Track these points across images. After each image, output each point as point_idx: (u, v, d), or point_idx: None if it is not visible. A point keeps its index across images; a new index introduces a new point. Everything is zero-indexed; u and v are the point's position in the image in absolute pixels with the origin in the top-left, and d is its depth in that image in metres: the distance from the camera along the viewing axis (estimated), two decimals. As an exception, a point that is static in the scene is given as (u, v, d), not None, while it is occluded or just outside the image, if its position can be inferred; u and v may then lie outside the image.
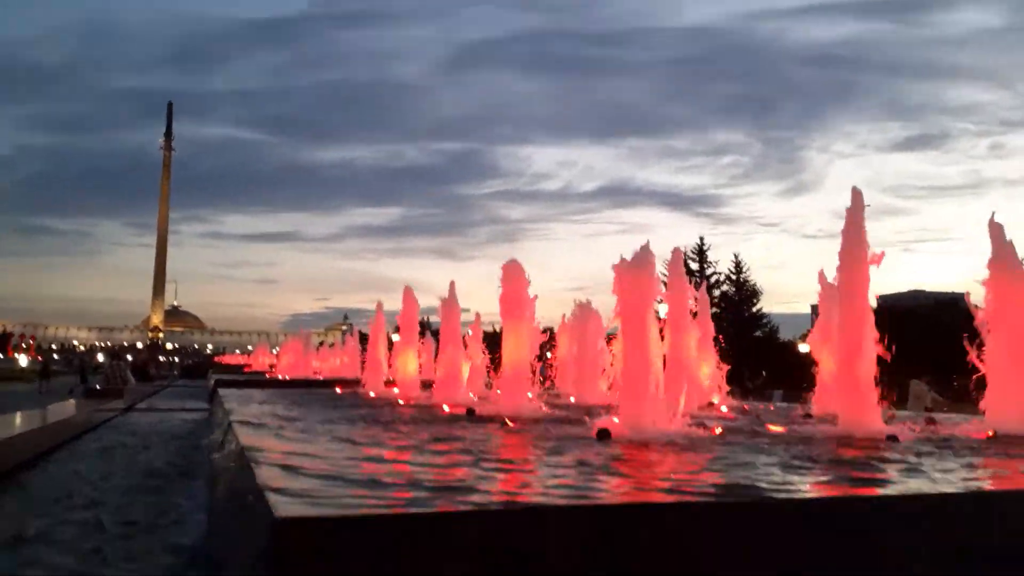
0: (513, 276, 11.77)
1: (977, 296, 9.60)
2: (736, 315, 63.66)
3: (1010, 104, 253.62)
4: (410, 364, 17.76)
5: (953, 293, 72.63)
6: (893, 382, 9.64)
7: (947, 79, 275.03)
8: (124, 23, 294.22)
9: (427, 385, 16.34)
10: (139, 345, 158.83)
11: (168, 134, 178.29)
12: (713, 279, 65.36)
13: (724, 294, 66.44)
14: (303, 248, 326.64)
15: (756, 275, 69.14)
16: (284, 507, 3.69)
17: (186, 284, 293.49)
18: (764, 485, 4.74)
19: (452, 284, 14.79)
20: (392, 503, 3.98)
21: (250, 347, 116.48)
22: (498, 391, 12.20)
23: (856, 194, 8.88)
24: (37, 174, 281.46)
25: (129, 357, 76.97)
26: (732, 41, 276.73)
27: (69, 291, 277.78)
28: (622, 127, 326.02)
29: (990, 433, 8.33)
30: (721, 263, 68.17)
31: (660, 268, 10.25)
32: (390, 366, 19.85)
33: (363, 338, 31.54)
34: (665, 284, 12.46)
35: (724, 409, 12.35)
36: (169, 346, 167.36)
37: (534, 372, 11.96)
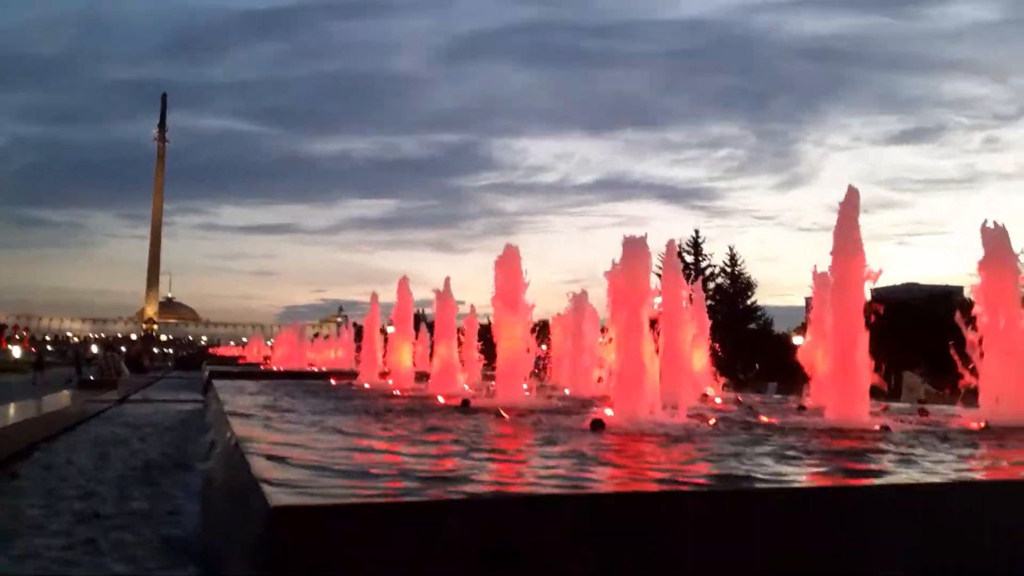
0: (510, 262, 11.84)
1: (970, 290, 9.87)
2: (731, 308, 63.78)
3: (1005, 98, 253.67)
4: (405, 356, 17.80)
5: (947, 286, 72.89)
6: (887, 373, 9.76)
7: (942, 73, 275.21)
8: (120, 14, 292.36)
9: (422, 377, 16.38)
10: (133, 337, 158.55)
11: (162, 125, 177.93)
12: (708, 272, 65.41)
13: (719, 287, 66.52)
14: (300, 240, 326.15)
15: (751, 268, 69.21)
16: (278, 497, 3.72)
17: (182, 276, 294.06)
18: (757, 475, 4.77)
19: (447, 279, 15.30)
20: (384, 492, 4.00)
21: (245, 339, 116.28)
22: (492, 384, 12.24)
23: (851, 192, 8.91)
24: (31, 165, 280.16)
25: (123, 348, 76.83)
26: (727, 34, 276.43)
27: (63, 282, 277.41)
28: (618, 120, 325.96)
29: (983, 424, 8.40)
30: (716, 256, 68.31)
31: (655, 261, 10.27)
32: (385, 358, 19.89)
33: (358, 330, 31.56)
34: (659, 276, 12.50)
35: (718, 401, 12.40)
36: (163, 338, 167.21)
37: (529, 350, 11.96)
